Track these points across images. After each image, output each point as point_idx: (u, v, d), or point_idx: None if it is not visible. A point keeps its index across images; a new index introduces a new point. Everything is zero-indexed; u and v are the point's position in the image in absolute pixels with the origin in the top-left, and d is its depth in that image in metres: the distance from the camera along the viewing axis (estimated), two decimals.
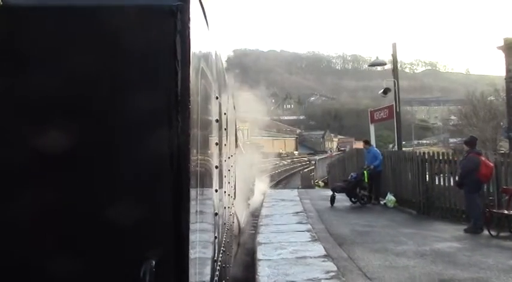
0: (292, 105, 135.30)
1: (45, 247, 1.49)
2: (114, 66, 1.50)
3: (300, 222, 9.48)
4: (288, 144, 73.75)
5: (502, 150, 41.03)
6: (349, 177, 12.21)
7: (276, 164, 37.59)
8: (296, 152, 70.59)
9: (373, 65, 12.77)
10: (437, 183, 10.21)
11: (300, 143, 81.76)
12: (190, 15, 1.48)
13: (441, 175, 10.25)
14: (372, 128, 14.15)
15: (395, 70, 12.12)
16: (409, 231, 8.34)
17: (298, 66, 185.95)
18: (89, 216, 1.50)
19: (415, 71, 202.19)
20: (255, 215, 12.19)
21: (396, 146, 11.89)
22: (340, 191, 12.34)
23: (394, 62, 11.99)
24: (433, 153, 10.89)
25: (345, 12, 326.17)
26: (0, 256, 1.49)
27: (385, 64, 12.57)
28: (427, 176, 10.30)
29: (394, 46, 11.77)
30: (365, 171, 11.94)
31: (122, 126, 1.51)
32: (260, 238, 7.96)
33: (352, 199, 11.88)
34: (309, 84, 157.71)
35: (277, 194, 15.45)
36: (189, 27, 1.47)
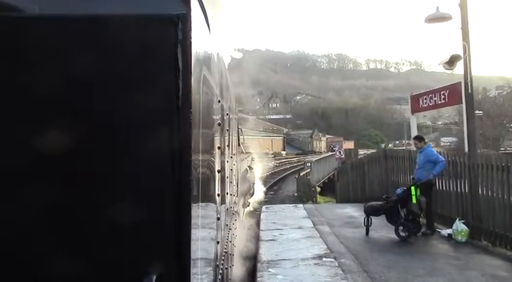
0: (278, 104, 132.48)
1: (37, 259, 1.36)
2: (113, 76, 1.43)
3: None
4: (275, 143, 69.79)
5: (510, 149, 38.41)
6: (394, 196, 8.00)
7: (264, 165, 33.38)
8: (284, 152, 66.77)
9: (432, 20, 8.53)
10: None
11: (288, 142, 77.95)
12: (192, 25, 1.42)
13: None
14: (413, 119, 9.91)
15: (464, 28, 7.74)
16: None
17: (284, 65, 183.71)
18: (87, 225, 1.40)
19: (401, 70, 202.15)
20: (248, 255, 7.86)
21: (467, 147, 7.79)
22: (376, 214, 8.13)
23: (463, 16, 7.70)
24: None
25: (330, 11, 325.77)
26: None
27: (451, 18, 8.38)
28: None
29: None
30: (412, 187, 7.73)
31: (122, 136, 1.43)
32: None
33: (400, 231, 7.65)
34: (295, 83, 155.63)
35: (276, 213, 11.11)
36: (190, 37, 1.41)
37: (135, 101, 1.39)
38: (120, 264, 1.38)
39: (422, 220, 8.12)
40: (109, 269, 1.38)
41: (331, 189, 24.97)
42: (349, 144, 75.08)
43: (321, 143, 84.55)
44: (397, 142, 69.43)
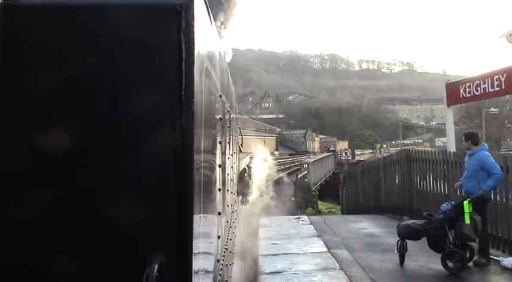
0: (270, 104, 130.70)
1: (46, 249, 1.44)
2: (117, 65, 1.47)
3: None
4: (268, 143, 67.83)
5: None
6: (439, 214, 6.02)
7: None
8: (277, 152, 64.96)
9: None
10: None
11: (281, 142, 76.01)
12: (195, 14, 1.46)
13: None
14: (449, 114, 7.96)
15: None
16: None
17: (276, 65, 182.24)
18: (91, 219, 1.45)
19: (393, 71, 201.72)
20: None
21: None
22: (415, 237, 6.16)
23: None
24: None
25: (323, 11, 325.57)
26: (1, 256, 1.45)
27: None
28: None
29: None
30: (465, 202, 5.78)
31: (125, 126, 1.47)
32: None
33: (449, 261, 5.70)
34: (287, 83, 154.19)
35: (277, 228, 9.09)
36: (193, 26, 1.45)
37: (138, 89, 1.41)
38: (123, 253, 1.41)
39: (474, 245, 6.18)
40: (112, 258, 1.42)
41: (329, 192, 23.14)
42: (343, 145, 73.38)
43: (315, 143, 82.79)
44: (393, 142, 67.99)
